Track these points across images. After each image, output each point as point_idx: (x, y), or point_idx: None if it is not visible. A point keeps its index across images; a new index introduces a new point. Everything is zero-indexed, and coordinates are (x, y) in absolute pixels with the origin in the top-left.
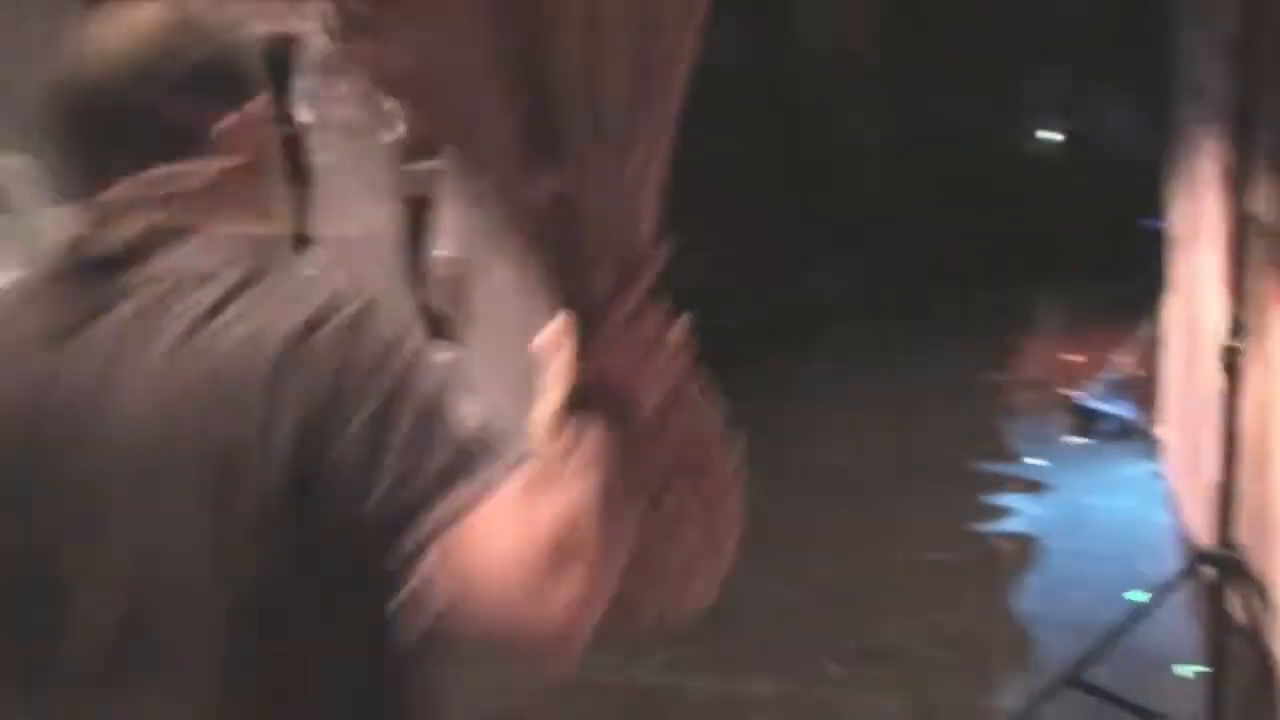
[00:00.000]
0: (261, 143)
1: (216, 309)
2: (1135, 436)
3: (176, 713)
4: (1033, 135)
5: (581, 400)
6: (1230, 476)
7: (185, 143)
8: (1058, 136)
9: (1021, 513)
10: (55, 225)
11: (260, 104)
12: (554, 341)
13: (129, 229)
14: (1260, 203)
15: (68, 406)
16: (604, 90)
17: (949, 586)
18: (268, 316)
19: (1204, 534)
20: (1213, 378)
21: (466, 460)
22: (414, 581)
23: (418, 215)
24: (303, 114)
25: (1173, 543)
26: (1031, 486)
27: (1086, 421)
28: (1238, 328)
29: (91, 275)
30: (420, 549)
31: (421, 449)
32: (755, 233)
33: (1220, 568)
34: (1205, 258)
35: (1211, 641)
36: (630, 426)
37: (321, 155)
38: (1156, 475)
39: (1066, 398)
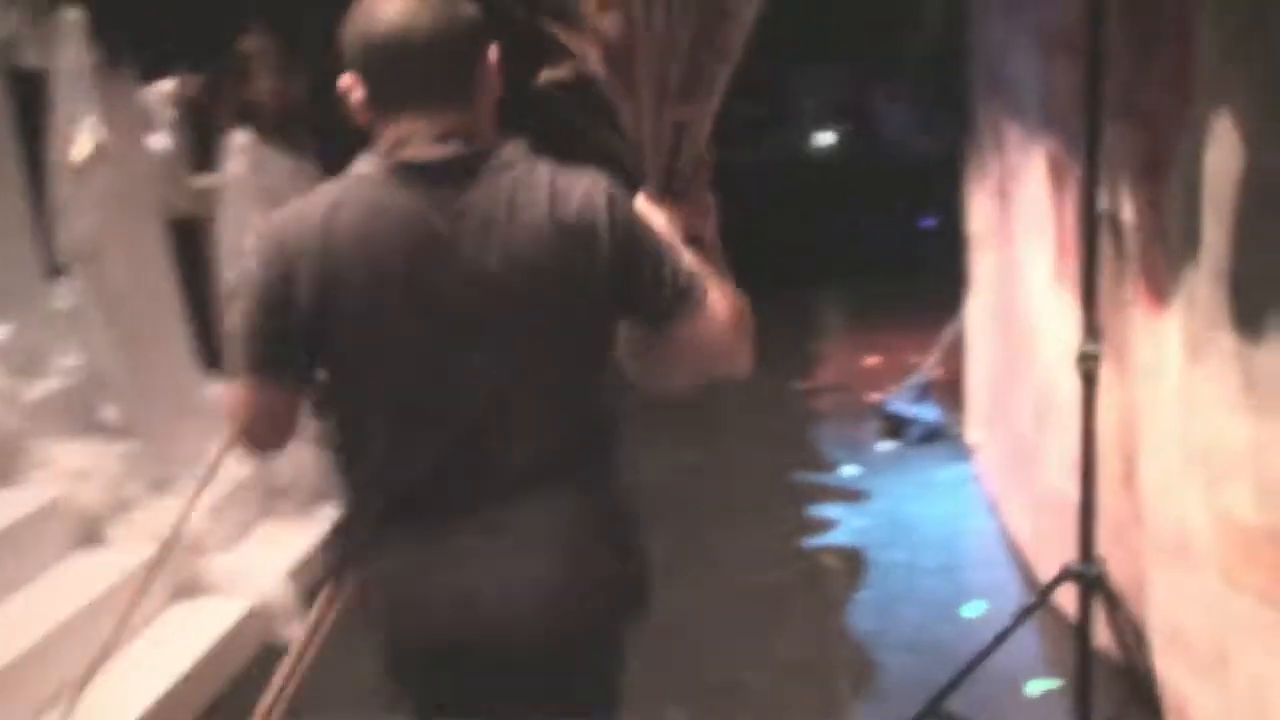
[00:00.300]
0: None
1: (552, 184)
2: (943, 440)
3: (514, 394)
4: (810, 138)
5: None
6: (1091, 489)
7: (473, 76)
8: (834, 138)
9: (843, 524)
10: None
11: (493, 53)
12: (647, 205)
13: (464, 145)
14: (1118, 202)
15: (466, 236)
16: (709, 60)
17: (781, 610)
18: (573, 188)
19: (1032, 543)
20: (1049, 381)
21: (673, 244)
22: (694, 293)
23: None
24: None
25: (999, 551)
26: (849, 496)
27: (895, 426)
28: (1093, 332)
29: (456, 166)
30: (690, 280)
31: (663, 241)
32: None
33: (1084, 584)
34: (1028, 257)
35: (1078, 660)
36: (705, 254)
37: None
38: (971, 479)
39: (873, 403)
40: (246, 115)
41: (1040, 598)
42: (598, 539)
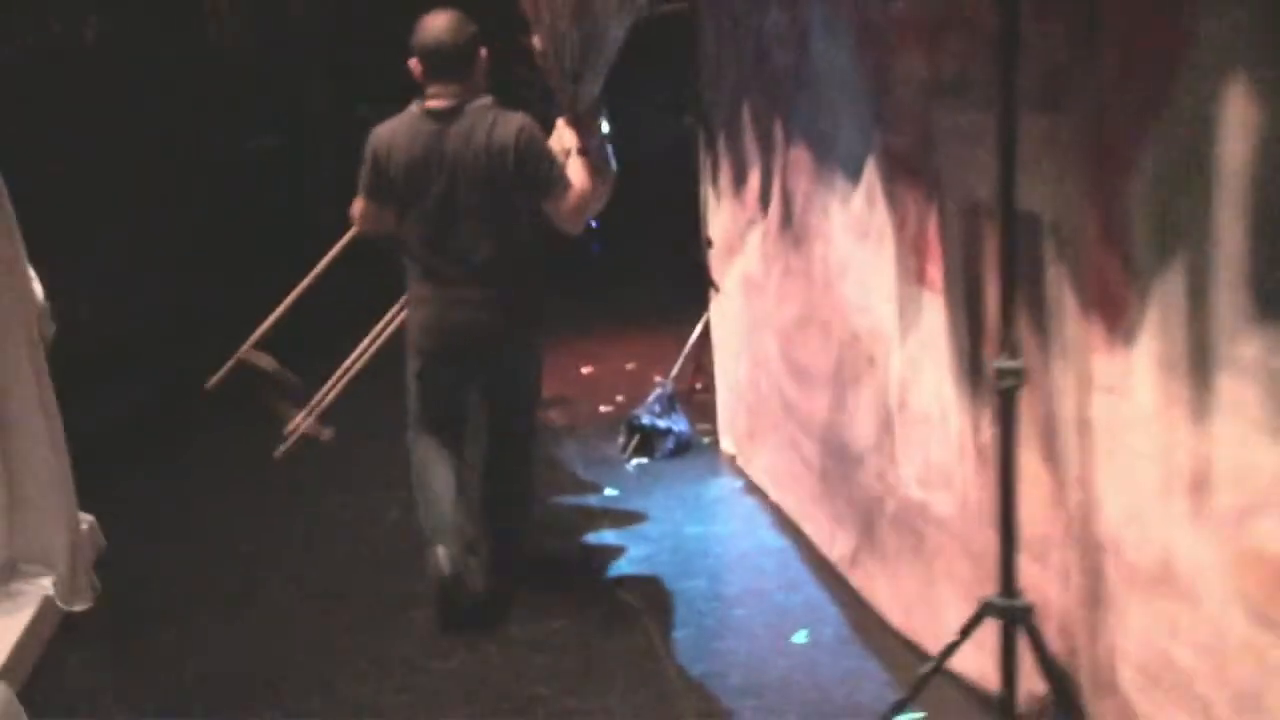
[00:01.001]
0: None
1: (494, 121)
2: (693, 452)
3: (473, 221)
4: None
5: (577, 143)
6: (1011, 515)
7: (472, 62)
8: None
9: (628, 553)
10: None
11: (485, 52)
12: (563, 130)
13: (459, 99)
14: (1040, 202)
15: (452, 145)
16: (592, 59)
17: (596, 661)
18: (505, 124)
19: (851, 560)
20: (899, 392)
21: (554, 158)
22: (558, 185)
23: None
24: None
25: (801, 570)
26: (623, 521)
27: (646, 441)
28: (1012, 346)
29: (453, 110)
30: (557, 177)
31: (548, 156)
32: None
33: (1007, 620)
34: (853, 260)
35: (1003, 701)
36: (588, 155)
37: None
38: (740, 493)
39: (606, 415)
40: None
41: (960, 636)
42: (513, 295)
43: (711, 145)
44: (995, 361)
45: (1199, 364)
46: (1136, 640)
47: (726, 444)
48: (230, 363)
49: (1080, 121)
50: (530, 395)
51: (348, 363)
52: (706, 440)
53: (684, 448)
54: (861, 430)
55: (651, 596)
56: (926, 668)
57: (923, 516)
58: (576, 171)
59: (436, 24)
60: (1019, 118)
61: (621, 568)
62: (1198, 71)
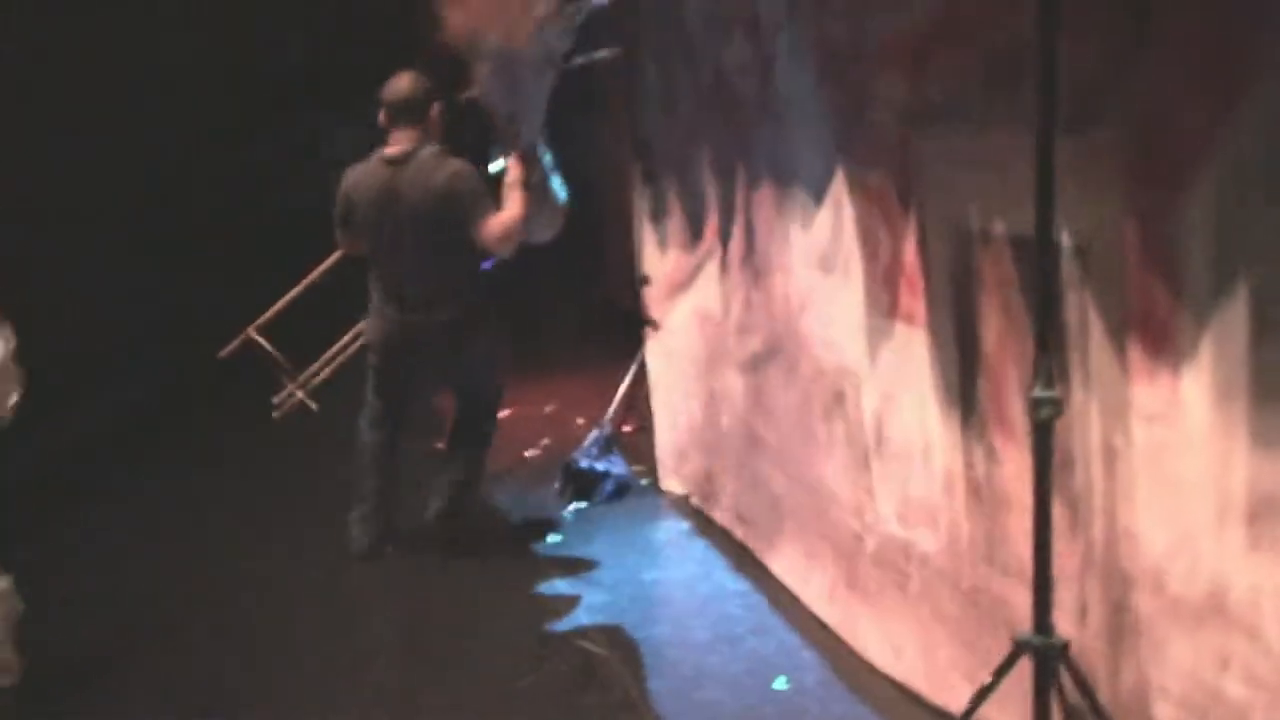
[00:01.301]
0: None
1: (437, 166)
2: (630, 494)
3: (421, 255)
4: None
5: (519, 176)
6: (1046, 550)
7: (426, 114)
8: None
9: (583, 601)
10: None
11: (437, 108)
12: (513, 162)
13: (412, 146)
14: (1067, 223)
15: (402, 189)
16: (527, 95)
17: (575, 718)
18: (446, 167)
19: (828, 599)
20: (874, 426)
21: (481, 192)
22: (482, 214)
23: None
24: None
25: (767, 613)
26: (573, 568)
27: (586, 484)
28: (1047, 375)
29: (407, 156)
30: (481, 208)
31: (475, 190)
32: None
33: (1042, 659)
34: (819, 291)
35: None
36: (528, 188)
37: None
38: (689, 535)
39: (530, 459)
40: None
41: (995, 678)
42: (459, 314)
43: (651, 180)
44: (1032, 391)
45: (1268, 390)
46: (1177, 674)
47: (670, 485)
48: (240, 338)
49: (1120, 141)
50: (488, 394)
51: (332, 350)
52: (645, 482)
53: (623, 491)
54: (836, 466)
55: (619, 646)
56: (958, 717)
57: (905, 554)
58: (515, 202)
59: (399, 82)
60: (1055, 141)
61: (581, 618)
62: (1273, 83)
